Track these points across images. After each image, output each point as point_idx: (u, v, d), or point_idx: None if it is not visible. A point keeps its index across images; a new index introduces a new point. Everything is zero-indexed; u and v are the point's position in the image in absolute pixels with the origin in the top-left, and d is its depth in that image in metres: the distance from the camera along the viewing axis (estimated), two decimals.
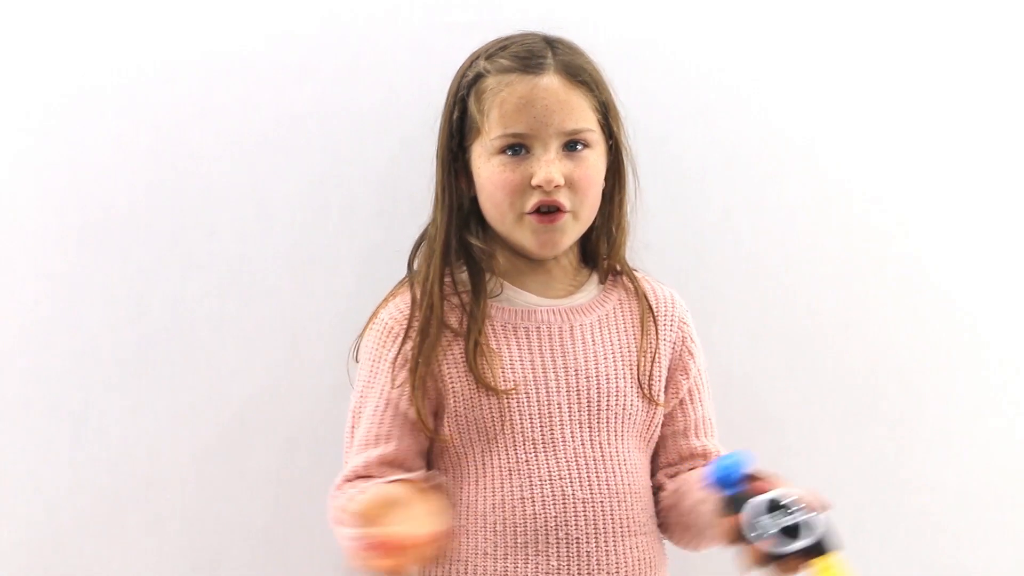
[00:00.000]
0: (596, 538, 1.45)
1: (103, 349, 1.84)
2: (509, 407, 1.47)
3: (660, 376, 1.53)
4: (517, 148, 1.45)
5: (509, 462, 1.47)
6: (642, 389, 1.51)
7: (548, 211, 1.46)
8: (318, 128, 1.83)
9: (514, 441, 1.47)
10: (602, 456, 1.48)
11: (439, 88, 1.56)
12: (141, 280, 1.84)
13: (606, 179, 1.52)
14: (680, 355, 1.56)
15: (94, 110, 1.83)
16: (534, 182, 1.44)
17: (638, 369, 1.51)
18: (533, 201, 1.45)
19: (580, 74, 1.48)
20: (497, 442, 1.47)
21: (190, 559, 1.86)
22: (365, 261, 1.81)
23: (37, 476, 1.84)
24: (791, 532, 1.28)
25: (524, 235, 1.47)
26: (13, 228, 1.84)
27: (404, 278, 1.56)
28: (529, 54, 1.47)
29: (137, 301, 1.84)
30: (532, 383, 1.48)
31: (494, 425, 1.47)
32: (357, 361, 1.55)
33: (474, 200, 1.52)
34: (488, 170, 1.47)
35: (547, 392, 1.48)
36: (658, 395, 1.52)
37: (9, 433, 1.84)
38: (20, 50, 1.83)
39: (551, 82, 1.46)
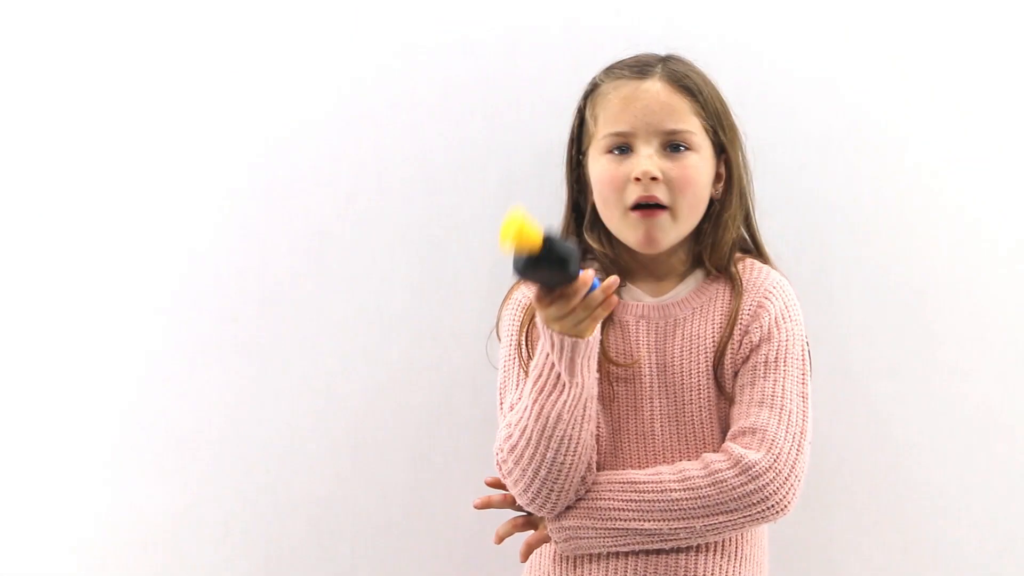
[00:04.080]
0: None
1: (240, 344, 1.95)
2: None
3: (733, 362, 1.55)
4: (623, 148, 1.55)
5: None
6: (717, 382, 1.55)
7: (647, 207, 1.54)
8: (451, 130, 1.92)
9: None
10: (685, 449, 1.55)
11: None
12: (276, 275, 1.94)
13: (720, 191, 1.60)
14: (746, 329, 1.55)
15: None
16: (633, 175, 1.53)
17: (713, 361, 1.55)
18: (633, 196, 1.53)
19: (684, 80, 1.56)
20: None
21: (326, 548, 1.95)
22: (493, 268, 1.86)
23: (186, 464, 1.96)
24: None
25: (628, 231, 1.56)
26: (174, 224, 1.97)
27: None
28: (639, 64, 1.59)
29: (272, 300, 1.95)
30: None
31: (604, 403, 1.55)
32: (499, 339, 1.63)
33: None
34: (597, 169, 1.57)
35: (639, 386, 1.55)
36: (728, 385, 1.55)
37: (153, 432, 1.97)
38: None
39: (654, 85, 1.56)
